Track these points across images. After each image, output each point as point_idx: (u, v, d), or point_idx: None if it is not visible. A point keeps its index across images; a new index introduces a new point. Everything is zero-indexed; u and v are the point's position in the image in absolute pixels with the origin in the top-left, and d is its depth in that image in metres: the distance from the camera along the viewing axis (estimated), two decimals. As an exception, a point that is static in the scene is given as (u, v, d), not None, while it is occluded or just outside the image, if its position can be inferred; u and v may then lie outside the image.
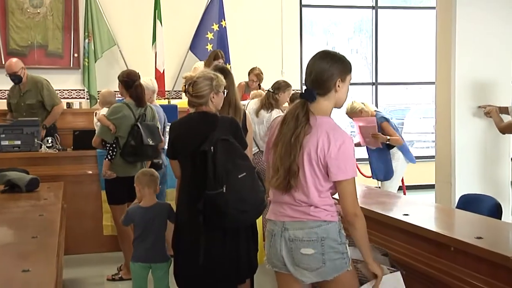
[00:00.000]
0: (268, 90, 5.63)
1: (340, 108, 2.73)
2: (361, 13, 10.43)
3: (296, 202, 2.62)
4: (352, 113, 5.89)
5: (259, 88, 7.21)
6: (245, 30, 9.00)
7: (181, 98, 7.93)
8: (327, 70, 2.57)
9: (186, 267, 3.30)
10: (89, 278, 5.14)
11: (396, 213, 3.39)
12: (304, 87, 2.66)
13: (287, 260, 2.65)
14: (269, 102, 5.51)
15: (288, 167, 2.57)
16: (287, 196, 2.64)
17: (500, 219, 3.62)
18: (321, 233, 2.58)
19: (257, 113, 5.48)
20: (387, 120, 5.85)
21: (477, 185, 5.06)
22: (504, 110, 5.14)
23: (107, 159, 4.89)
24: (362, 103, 5.91)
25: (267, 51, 8.88)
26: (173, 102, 7.50)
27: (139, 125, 4.85)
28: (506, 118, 5.08)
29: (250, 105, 5.66)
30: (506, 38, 5.37)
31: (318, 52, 2.67)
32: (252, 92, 6.71)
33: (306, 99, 2.61)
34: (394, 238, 3.24)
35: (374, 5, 9.98)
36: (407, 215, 3.38)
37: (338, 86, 2.60)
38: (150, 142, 4.84)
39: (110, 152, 4.89)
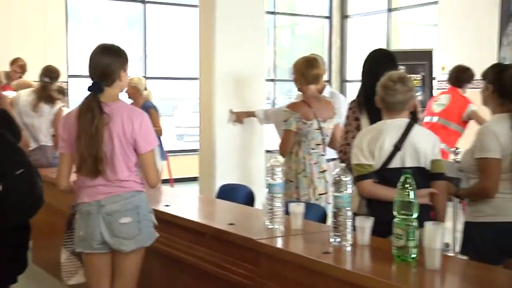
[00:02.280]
0: (43, 81, 5.29)
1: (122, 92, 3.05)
2: (132, 6, 10.40)
3: (109, 182, 2.85)
4: (135, 88, 6.07)
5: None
6: (5, 16, 8.40)
7: None
8: (111, 64, 2.85)
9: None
10: None
11: (158, 205, 3.49)
12: (91, 81, 2.87)
13: (106, 234, 2.84)
14: (48, 94, 5.24)
15: (95, 156, 2.76)
16: (99, 178, 2.83)
17: (253, 205, 3.92)
18: (135, 202, 2.88)
19: (34, 106, 5.17)
20: (155, 108, 6.08)
21: (236, 175, 5.39)
22: (251, 114, 5.54)
23: None
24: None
25: (29, 39, 8.40)
26: None
27: None
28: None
29: (22, 96, 5.27)
30: (258, 37, 5.81)
31: (99, 47, 2.91)
32: (14, 83, 6.31)
33: (95, 91, 2.83)
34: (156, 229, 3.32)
35: (142, -1, 10.06)
36: (168, 206, 3.52)
37: (121, 75, 2.90)
38: None
39: None
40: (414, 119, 3.06)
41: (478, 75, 3.26)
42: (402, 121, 2.93)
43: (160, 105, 11.46)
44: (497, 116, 3.11)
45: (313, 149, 4.12)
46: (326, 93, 4.83)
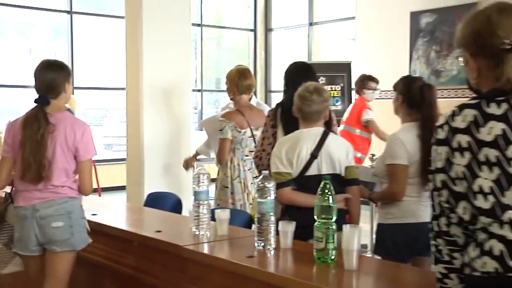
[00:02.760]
0: None
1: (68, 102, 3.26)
2: (58, 16, 10.12)
3: (45, 188, 2.93)
4: None
5: None
6: None
7: None
8: (56, 79, 2.98)
9: None
10: None
11: (85, 214, 3.39)
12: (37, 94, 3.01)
13: (40, 237, 2.94)
14: None
15: (39, 162, 2.87)
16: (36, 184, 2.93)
17: (180, 213, 3.90)
18: (68, 207, 2.97)
19: None
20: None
21: (164, 183, 5.34)
22: (196, 155, 5.17)
23: None
24: None
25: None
26: None
27: None
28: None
29: None
30: (184, 48, 5.80)
31: (43, 63, 3.04)
32: None
33: (42, 104, 2.95)
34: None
35: (69, 9, 9.78)
36: (95, 214, 3.45)
37: (66, 87, 3.04)
38: None
39: None
40: (328, 128, 3.14)
41: (391, 87, 3.38)
42: (318, 130, 3.00)
43: (89, 114, 11.27)
44: (406, 125, 3.24)
45: (246, 155, 4.19)
46: (252, 103, 4.88)
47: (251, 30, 11.30)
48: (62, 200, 2.97)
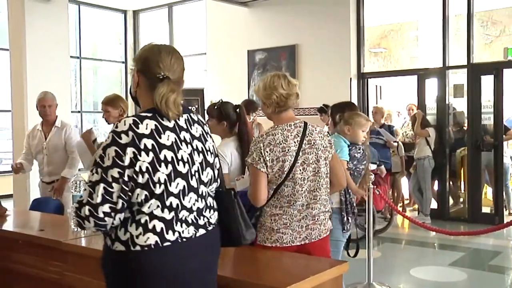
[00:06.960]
0: None
1: None
2: None
3: None
4: None
5: None
6: None
7: None
8: None
9: None
10: None
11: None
12: None
13: None
14: None
15: None
16: None
17: (63, 215, 3.69)
18: None
19: None
20: None
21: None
22: None
23: None
24: None
25: None
26: None
27: None
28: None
29: None
30: (64, 77, 5.52)
31: None
32: None
33: None
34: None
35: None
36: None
37: None
38: None
39: None
40: None
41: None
42: None
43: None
44: (227, 140, 3.05)
45: None
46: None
47: (123, 62, 11.05)
48: None
